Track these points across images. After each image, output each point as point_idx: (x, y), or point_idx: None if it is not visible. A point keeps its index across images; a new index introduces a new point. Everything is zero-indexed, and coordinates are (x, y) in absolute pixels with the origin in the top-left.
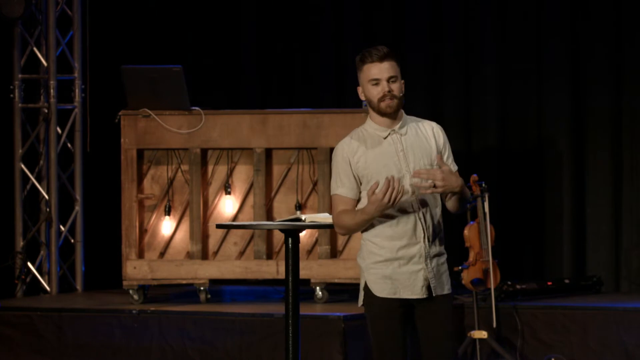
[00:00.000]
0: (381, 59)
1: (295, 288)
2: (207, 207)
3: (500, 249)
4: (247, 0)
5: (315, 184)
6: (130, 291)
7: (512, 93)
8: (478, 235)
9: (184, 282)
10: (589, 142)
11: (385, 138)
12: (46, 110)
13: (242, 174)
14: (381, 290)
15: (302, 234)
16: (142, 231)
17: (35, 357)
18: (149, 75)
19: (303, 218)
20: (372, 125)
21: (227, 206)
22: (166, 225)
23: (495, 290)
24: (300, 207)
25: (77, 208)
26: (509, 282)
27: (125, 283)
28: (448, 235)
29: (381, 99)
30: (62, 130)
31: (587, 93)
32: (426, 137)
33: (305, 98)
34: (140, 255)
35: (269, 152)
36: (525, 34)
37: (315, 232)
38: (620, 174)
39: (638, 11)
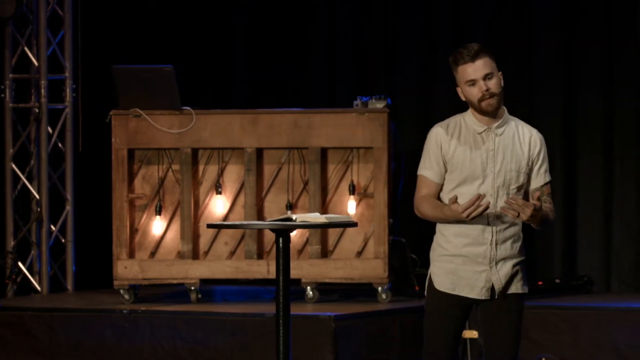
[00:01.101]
0: (473, 58)
1: (286, 288)
2: (198, 206)
3: None
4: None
5: (306, 183)
6: (121, 291)
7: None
8: None
9: (174, 282)
10: (580, 143)
11: (479, 133)
12: (37, 110)
13: (233, 174)
14: (441, 283)
15: (293, 234)
16: (133, 231)
17: (26, 357)
18: (140, 75)
19: (294, 218)
20: (471, 119)
21: (218, 206)
22: (157, 225)
23: None
24: (291, 206)
25: (68, 208)
26: None
27: (116, 283)
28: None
29: (481, 99)
30: (53, 130)
31: (578, 94)
32: (521, 142)
33: (297, 98)
34: (131, 255)
35: (259, 152)
36: (516, 35)
37: (306, 232)
38: (611, 175)
39: (630, 14)
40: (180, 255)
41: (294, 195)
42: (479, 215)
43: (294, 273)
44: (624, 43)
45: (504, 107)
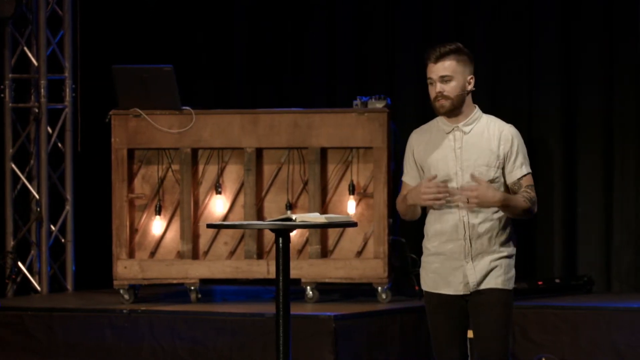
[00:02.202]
0: (436, 60)
1: (286, 288)
2: (197, 206)
3: None
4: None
5: (305, 183)
6: (121, 291)
7: (502, 92)
8: None
9: (174, 281)
10: (579, 141)
11: (447, 133)
12: (37, 110)
13: (233, 174)
14: (425, 283)
15: (293, 234)
16: (133, 231)
17: (25, 357)
18: (139, 74)
19: (294, 218)
20: (442, 119)
21: (217, 206)
22: (157, 225)
23: None
24: (290, 206)
25: (68, 208)
26: None
27: (115, 283)
28: None
29: (434, 100)
30: (53, 130)
31: (578, 93)
32: (489, 138)
33: (297, 98)
34: (131, 255)
35: (259, 152)
36: (516, 34)
37: (305, 232)
38: (611, 173)
39: (629, 12)
40: (180, 255)
41: (293, 195)
42: (438, 200)
43: (293, 273)
44: (624, 42)
45: (475, 106)
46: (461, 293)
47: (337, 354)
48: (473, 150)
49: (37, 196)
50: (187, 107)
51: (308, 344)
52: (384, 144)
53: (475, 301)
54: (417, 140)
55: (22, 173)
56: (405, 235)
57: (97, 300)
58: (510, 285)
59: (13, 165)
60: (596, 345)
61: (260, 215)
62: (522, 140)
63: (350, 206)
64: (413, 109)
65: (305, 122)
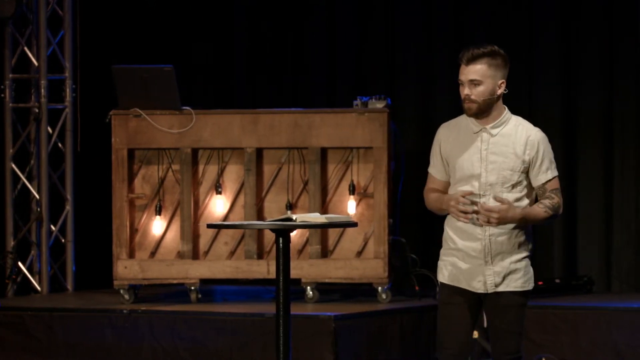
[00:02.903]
0: (468, 62)
1: (286, 288)
2: (197, 206)
3: None
4: (238, 0)
5: (306, 183)
6: (121, 291)
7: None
8: None
9: (174, 281)
10: (579, 141)
11: (475, 133)
12: (37, 110)
13: (233, 174)
14: (443, 276)
15: (293, 234)
16: (133, 231)
17: (26, 357)
18: (139, 75)
19: (294, 218)
20: (470, 118)
21: (217, 206)
22: (157, 225)
23: None
24: (291, 206)
25: (68, 208)
26: None
27: (116, 283)
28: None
29: (463, 101)
30: (53, 130)
31: (578, 93)
32: (515, 143)
33: (297, 98)
34: (131, 255)
35: (259, 152)
36: (515, 32)
37: (306, 232)
38: (611, 174)
39: (629, 12)
40: (180, 255)
41: (293, 195)
42: (466, 213)
43: (294, 273)
44: (624, 41)
45: (504, 108)
46: (480, 291)
47: (337, 354)
48: (499, 153)
49: (37, 196)
50: (187, 107)
51: (308, 344)
52: (384, 144)
53: (493, 302)
54: (446, 135)
55: (23, 173)
56: (405, 236)
57: (97, 300)
58: (530, 286)
59: (13, 165)
60: (596, 345)
61: (260, 216)
62: (548, 145)
63: (351, 206)
64: (413, 109)
65: (306, 122)
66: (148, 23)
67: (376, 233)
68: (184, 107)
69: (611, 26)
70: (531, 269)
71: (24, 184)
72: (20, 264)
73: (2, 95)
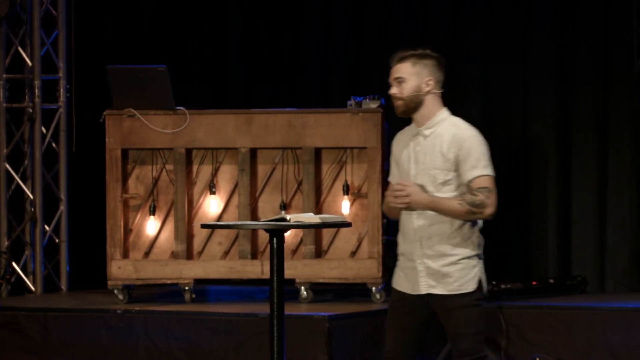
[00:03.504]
0: (395, 62)
1: (280, 288)
2: (191, 207)
3: (485, 248)
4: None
5: (300, 183)
6: (115, 291)
7: (497, 93)
8: None
9: (168, 281)
10: (574, 141)
11: (414, 135)
12: (31, 110)
13: (227, 174)
14: (393, 280)
15: (287, 234)
16: (127, 231)
17: (20, 357)
18: (134, 75)
19: (288, 218)
20: (413, 122)
21: (211, 206)
22: (151, 225)
23: None
24: (285, 207)
25: (62, 208)
26: (494, 282)
27: (110, 283)
28: None
29: (392, 101)
30: (47, 130)
31: (572, 92)
32: (442, 142)
33: (291, 98)
34: (125, 255)
35: (253, 152)
36: (510, 34)
37: (300, 232)
38: (605, 173)
39: (623, 12)
40: (174, 255)
41: (287, 195)
42: (401, 205)
43: (288, 273)
44: (618, 42)
45: (442, 110)
46: (414, 293)
47: (331, 354)
48: (428, 153)
49: (31, 196)
50: (181, 107)
51: (302, 344)
52: (378, 144)
53: (436, 305)
54: (397, 141)
55: (17, 173)
56: None
57: (91, 300)
58: (469, 288)
59: (7, 166)
60: (591, 345)
61: (254, 216)
62: (479, 144)
63: (345, 206)
64: None
65: (300, 122)
66: (142, 23)
67: (370, 233)
68: (178, 107)
69: (605, 30)
70: (475, 270)
71: (18, 184)
72: (14, 264)
73: None
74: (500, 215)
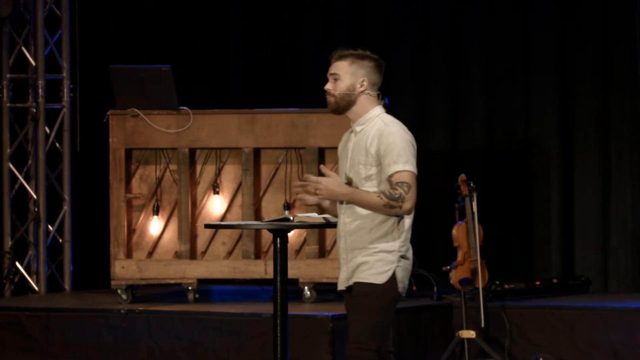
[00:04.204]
0: (333, 60)
1: (284, 288)
2: (195, 206)
3: (488, 248)
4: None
5: None
6: (119, 291)
7: (499, 93)
8: (466, 235)
9: (172, 281)
10: (576, 141)
11: (349, 133)
12: (34, 110)
13: (231, 174)
14: None
15: (291, 234)
16: (131, 231)
17: (23, 357)
18: (137, 74)
19: (291, 218)
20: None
21: (215, 206)
22: (154, 225)
23: (484, 289)
24: (288, 206)
25: (66, 208)
26: (497, 282)
27: (113, 283)
28: (434, 234)
29: (326, 96)
30: (51, 130)
31: (574, 93)
32: (367, 137)
33: (294, 98)
34: (129, 255)
35: (257, 152)
36: (512, 34)
37: (303, 232)
38: (608, 174)
39: (625, 12)
40: (177, 255)
41: (291, 195)
42: (312, 199)
43: (291, 273)
44: (620, 41)
45: (375, 108)
46: (344, 288)
47: (334, 353)
48: (356, 149)
49: (34, 196)
50: (185, 107)
51: (306, 344)
52: None
53: (349, 294)
54: (341, 140)
55: (20, 173)
56: None
57: (94, 300)
58: (378, 280)
59: (11, 165)
60: (593, 345)
61: (257, 215)
62: (401, 139)
63: None
64: (410, 108)
65: (302, 122)
66: (145, 23)
67: None
68: (182, 107)
69: (607, 27)
70: (390, 266)
71: (21, 184)
72: (17, 264)
73: (0, 95)
74: (503, 215)
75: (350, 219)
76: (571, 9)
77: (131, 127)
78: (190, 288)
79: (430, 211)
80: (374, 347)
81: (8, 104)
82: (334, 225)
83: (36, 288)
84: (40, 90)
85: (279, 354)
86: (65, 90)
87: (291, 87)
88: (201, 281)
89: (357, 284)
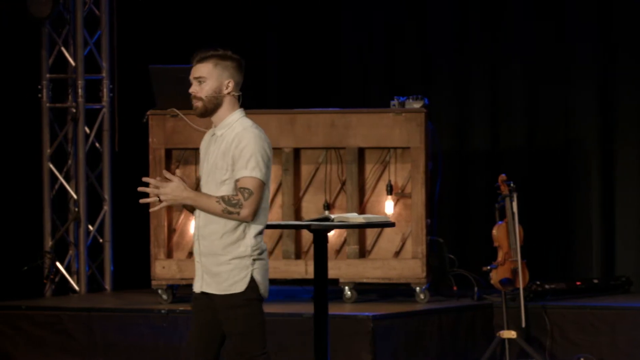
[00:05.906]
0: (196, 61)
1: (324, 288)
2: None
3: (528, 248)
4: (272, 0)
5: (343, 183)
6: (159, 291)
7: (540, 91)
8: (506, 235)
9: None
10: (617, 139)
11: (212, 136)
12: (74, 110)
13: (271, 174)
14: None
15: (331, 234)
16: (171, 231)
17: (64, 357)
18: (176, 74)
19: (332, 218)
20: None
21: None
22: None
23: (524, 290)
24: (328, 206)
25: (106, 208)
26: (538, 282)
27: (154, 283)
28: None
29: (191, 99)
30: (90, 130)
31: (614, 91)
32: (226, 142)
33: (333, 98)
34: (169, 255)
35: (297, 152)
36: (552, 33)
37: (343, 232)
38: None
39: None
40: None
41: (331, 195)
42: (164, 201)
43: (331, 273)
44: None
45: (237, 111)
46: (198, 291)
47: (375, 354)
48: (215, 153)
49: (75, 196)
50: None
51: (346, 344)
52: (422, 144)
53: (213, 304)
54: (204, 139)
55: (60, 173)
56: (442, 236)
57: (135, 300)
58: (238, 288)
59: (51, 165)
60: (635, 345)
61: (298, 215)
62: (254, 144)
63: (388, 206)
64: (450, 109)
65: (342, 122)
66: (185, 23)
67: (414, 233)
68: None
69: None
70: (245, 271)
71: (61, 184)
72: (58, 264)
73: (40, 95)
74: (543, 215)
75: (203, 223)
76: (609, 7)
77: (171, 127)
78: None
79: (470, 211)
80: (258, 352)
81: (48, 104)
82: (375, 226)
83: (77, 288)
84: (80, 90)
85: (320, 354)
86: (104, 90)
87: (329, 87)
88: None
89: (218, 297)
